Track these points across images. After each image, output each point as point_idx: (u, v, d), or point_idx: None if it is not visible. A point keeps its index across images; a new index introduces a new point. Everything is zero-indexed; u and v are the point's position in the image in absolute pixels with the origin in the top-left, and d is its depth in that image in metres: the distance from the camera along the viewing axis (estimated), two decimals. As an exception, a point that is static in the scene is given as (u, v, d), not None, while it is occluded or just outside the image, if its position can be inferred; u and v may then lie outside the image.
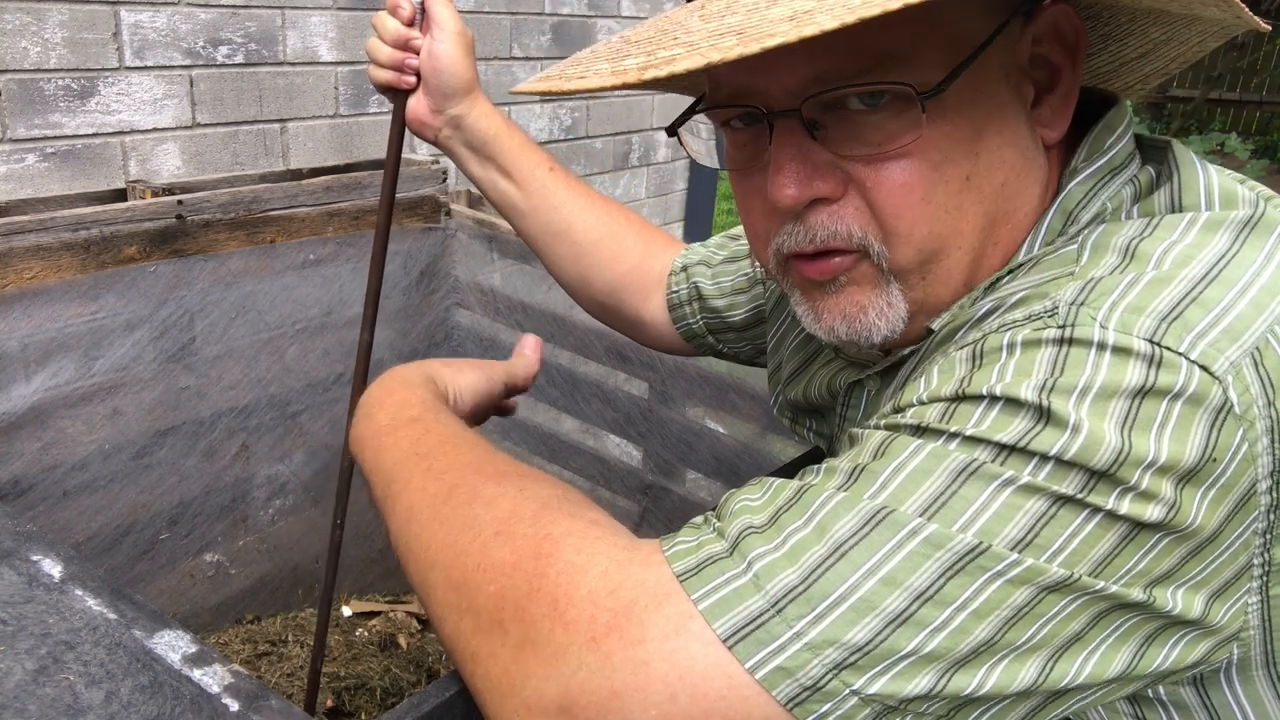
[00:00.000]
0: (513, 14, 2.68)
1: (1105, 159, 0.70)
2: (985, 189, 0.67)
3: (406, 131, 1.16)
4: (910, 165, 0.65)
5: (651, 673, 0.54)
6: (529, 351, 1.02)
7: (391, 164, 1.18)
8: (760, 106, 0.68)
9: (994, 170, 0.67)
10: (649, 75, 0.56)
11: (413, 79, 1.11)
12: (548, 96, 0.71)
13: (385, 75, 1.11)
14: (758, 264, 1.13)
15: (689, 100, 0.81)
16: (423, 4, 1.09)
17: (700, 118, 0.77)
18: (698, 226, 3.70)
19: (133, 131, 1.90)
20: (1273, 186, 0.73)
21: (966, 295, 0.70)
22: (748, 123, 0.71)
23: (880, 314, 0.71)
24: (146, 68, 1.88)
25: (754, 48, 0.52)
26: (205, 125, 2.01)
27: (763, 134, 0.69)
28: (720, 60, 0.53)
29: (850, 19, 0.51)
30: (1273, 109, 9.45)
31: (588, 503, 0.68)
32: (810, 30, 0.51)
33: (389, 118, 1.16)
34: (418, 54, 1.10)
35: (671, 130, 0.78)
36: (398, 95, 1.13)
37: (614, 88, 0.58)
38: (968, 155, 0.66)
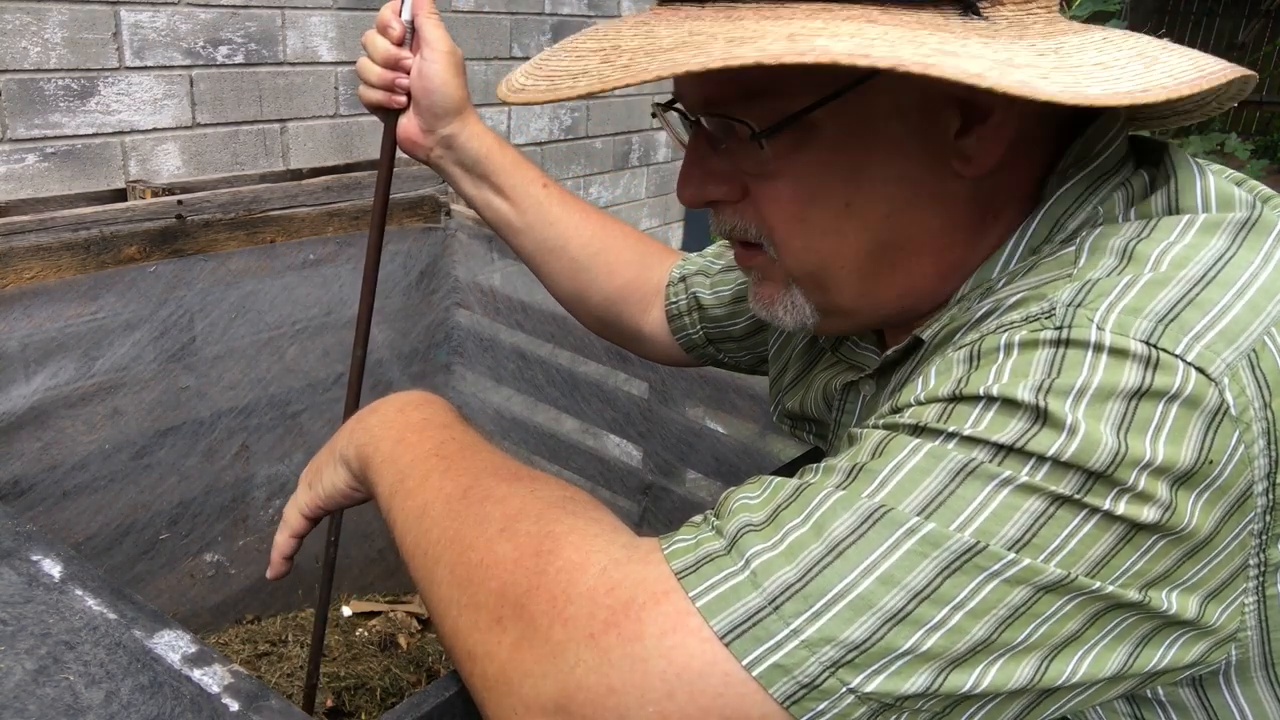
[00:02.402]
0: (513, 14, 2.68)
1: (1095, 164, 0.69)
2: (869, 218, 0.69)
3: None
4: (783, 185, 0.69)
5: (649, 669, 0.54)
6: None
7: (382, 184, 1.17)
8: (685, 111, 0.73)
9: (876, 202, 0.68)
10: (512, 98, 0.65)
11: (403, 99, 1.11)
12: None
13: (375, 95, 1.11)
14: None
15: None
16: (413, 23, 1.08)
17: None
18: (698, 226, 3.70)
19: (133, 131, 1.90)
20: (1273, 186, 0.73)
21: (958, 307, 0.70)
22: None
23: (786, 310, 0.76)
24: (146, 68, 1.88)
25: (516, 100, 0.65)
26: (205, 125, 2.01)
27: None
28: (530, 101, 0.64)
29: (600, 87, 0.59)
30: (1273, 109, 9.44)
31: (595, 504, 0.68)
32: (566, 93, 0.61)
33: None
34: (408, 73, 1.10)
35: (655, 112, 0.81)
36: (388, 115, 1.13)
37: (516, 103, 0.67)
38: (847, 184, 0.68)
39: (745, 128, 0.67)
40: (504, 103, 0.69)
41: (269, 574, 0.98)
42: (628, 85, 0.59)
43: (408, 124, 1.12)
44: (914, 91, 0.65)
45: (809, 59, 0.54)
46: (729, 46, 0.57)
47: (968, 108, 0.67)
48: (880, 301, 0.74)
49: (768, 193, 0.70)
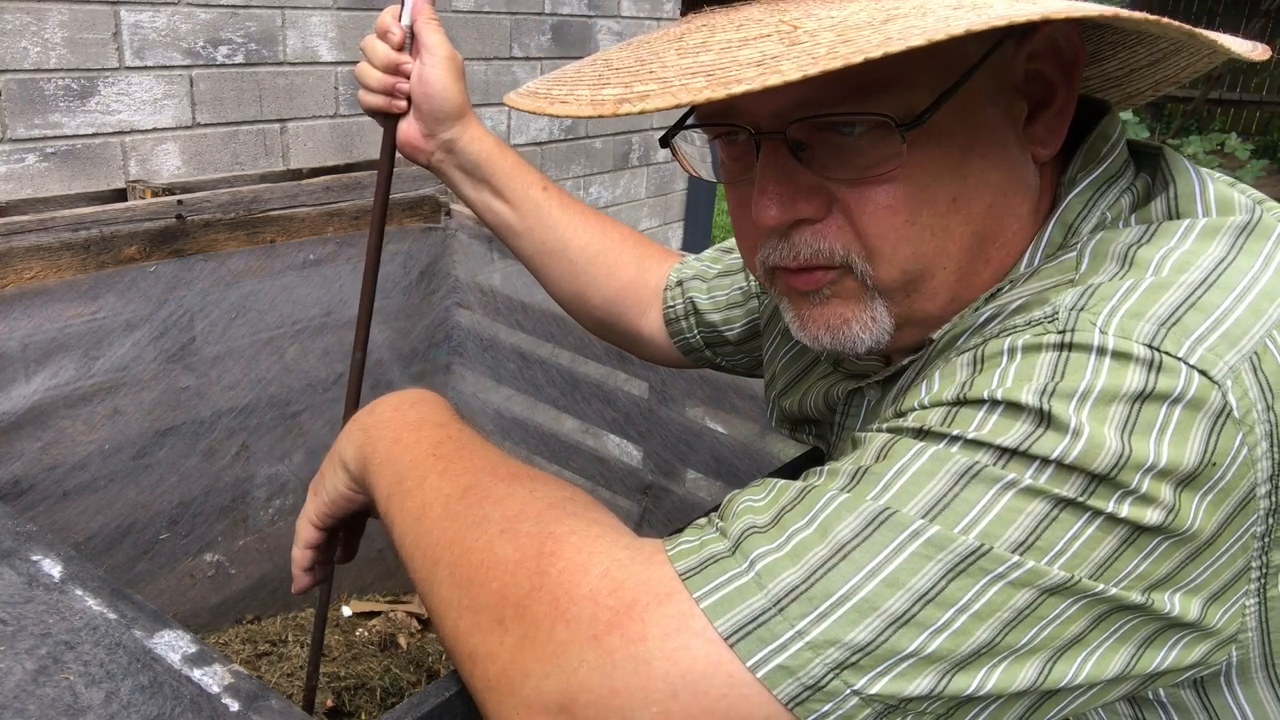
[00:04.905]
0: (513, 14, 2.68)
1: (1101, 169, 0.70)
2: (973, 210, 0.67)
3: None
4: (894, 189, 0.65)
5: (652, 671, 0.54)
6: None
7: (381, 189, 1.17)
8: (747, 126, 0.68)
9: (981, 192, 0.67)
10: (624, 110, 0.56)
11: (403, 103, 1.11)
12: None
13: (375, 100, 1.11)
14: (753, 278, 1.13)
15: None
16: (412, 28, 1.09)
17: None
18: (697, 227, 3.70)
19: (133, 131, 1.90)
20: (1273, 186, 0.74)
21: (968, 307, 0.70)
22: (735, 139, 0.72)
23: (864, 327, 0.71)
24: (146, 68, 1.88)
25: (720, 93, 0.53)
26: (205, 125, 2.01)
27: (751, 149, 0.69)
28: (690, 101, 0.54)
29: (813, 70, 0.52)
30: (1273, 109, 9.46)
31: (595, 504, 0.68)
32: (774, 80, 0.52)
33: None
34: (408, 78, 1.10)
35: (664, 141, 0.78)
36: (388, 120, 1.13)
37: (590, 117, 0.59)
38: (955, 178, 0.66)
39: (880, 121, 0.62)
40: (616, 114, 0.58)
41: (294, 589, 0.97)
42: (787, 81, 0.52)
43: (408, 128, 1.12)
44: (1004, 76, 0.67)
45: (1039, 13, 0.52)
46: (886, 28, 0.54)
47: (1038, 93, 0.68)
48: (964, 301, 0.70)
49: (873, 199, 0.65)
